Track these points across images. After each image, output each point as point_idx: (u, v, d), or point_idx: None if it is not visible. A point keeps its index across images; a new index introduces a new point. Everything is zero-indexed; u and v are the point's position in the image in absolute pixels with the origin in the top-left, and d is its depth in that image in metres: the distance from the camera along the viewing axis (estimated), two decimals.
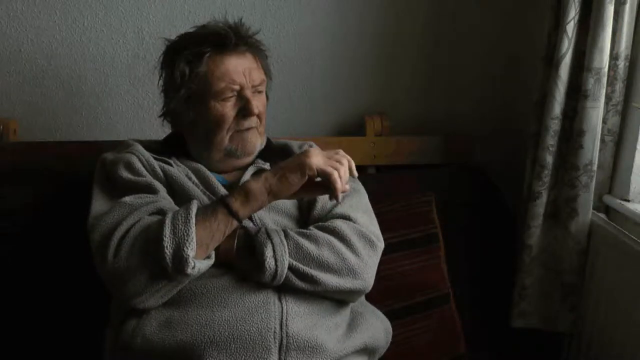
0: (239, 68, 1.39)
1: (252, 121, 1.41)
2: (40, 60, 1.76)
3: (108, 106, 1.83)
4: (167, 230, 1.18)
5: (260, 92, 1.44)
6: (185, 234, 1.17)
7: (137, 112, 1.84)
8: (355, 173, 1.28)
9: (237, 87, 1.39)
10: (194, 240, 1.17)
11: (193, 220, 1.19)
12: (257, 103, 1.40)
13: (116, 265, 1.20)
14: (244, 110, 1.39)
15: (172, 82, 1.41)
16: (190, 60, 1.38)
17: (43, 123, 1.80)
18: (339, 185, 1.23)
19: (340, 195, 1.24)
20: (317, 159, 1.24)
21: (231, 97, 1.39)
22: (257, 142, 1.45)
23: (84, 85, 1.80)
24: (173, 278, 1.19)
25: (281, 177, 1.24)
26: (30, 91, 1.78)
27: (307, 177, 1.23)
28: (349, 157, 1.27)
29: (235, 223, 1.24)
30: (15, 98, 1.77)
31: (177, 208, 1.27)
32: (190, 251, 1.17)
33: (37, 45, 1.75)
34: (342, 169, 1.24)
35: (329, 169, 1.23)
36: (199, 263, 1.19)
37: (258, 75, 1.43)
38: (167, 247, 1.17)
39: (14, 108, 1.77)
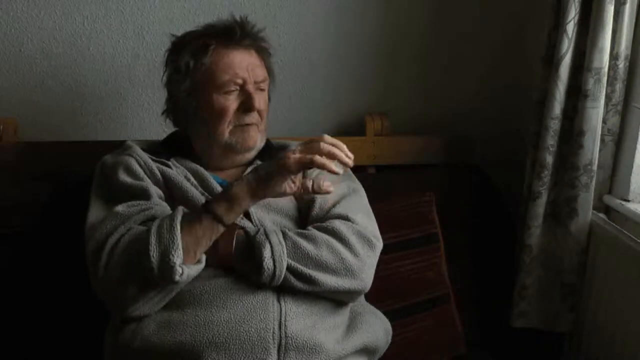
0: (243, 63, 1.40)
1: (253, 117, 1.41)
2: (40, 60, 1.76)
3: (108, 106, 1.83)
4: (153, 239, 1.17)
5: (262, 89, 1.44)
6: (170, 241, 1.17)
7: (137, 112, 1.84)
8: (346, 158, 1.21)
9: (240, 82, 1.39)
10: (180, 247, 1.17)
11: (178, 227, 1.18)
12: (259, 99, 1.41)
13: (107, 276, 1.20)
14: (245, 104, 1.39)
15: (177, 74, 1.42)
16: (196, 52, 1.39)
17: (43, 123, 1.79)
18: (327, 164, 1.18)
19: (340, 169, 1.20)
20: (294, 154, 1.20)
21: (234, 90, 1.39)
22: (257, 139, 1.44)
23: (84, 85, 1.80)
24: (163, 286, 1.20)
25: (261, 177, 1.23)
26: (30, 91, 1.77)
27: (287, 174, 1.21)
28: (334, 141, 1.21)
29: (221, 228, 1.22)
30: (15, 98, 1.77)
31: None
32: (177, 258, 1.16)
33: (37, 45, 1.75)
34: (324, 146, 1.19)
35: (308, 157, 1.19)
36: (187, 269, 1.18)
37: (261, 73, 1.43)
38: (153, 255, 1.16)
39: (14, 108, 1.77)
